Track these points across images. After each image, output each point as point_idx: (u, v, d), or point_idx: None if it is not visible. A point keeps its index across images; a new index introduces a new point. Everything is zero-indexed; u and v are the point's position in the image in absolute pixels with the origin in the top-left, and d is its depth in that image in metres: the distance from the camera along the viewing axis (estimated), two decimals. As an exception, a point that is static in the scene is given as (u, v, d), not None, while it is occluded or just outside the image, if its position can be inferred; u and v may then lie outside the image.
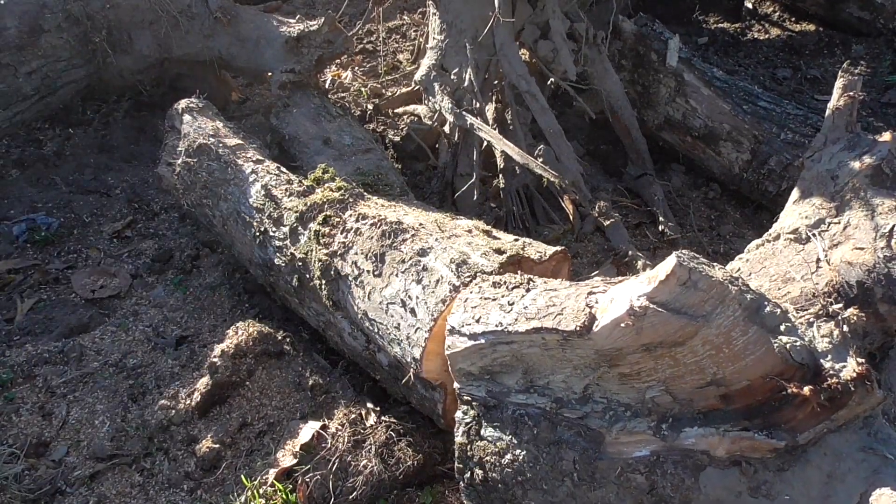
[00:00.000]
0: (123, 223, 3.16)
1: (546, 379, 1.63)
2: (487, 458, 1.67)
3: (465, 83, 2.96)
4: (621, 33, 3.33)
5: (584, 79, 3.21)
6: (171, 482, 2.12)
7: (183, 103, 2.85)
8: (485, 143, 2.94)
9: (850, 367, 1.39)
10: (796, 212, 2.09)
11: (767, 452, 1.42)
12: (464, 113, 2.90)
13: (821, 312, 1.58)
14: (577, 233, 2.98)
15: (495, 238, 2.09)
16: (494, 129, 2.90)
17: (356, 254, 2.09)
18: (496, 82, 3.05)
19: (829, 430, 1.43)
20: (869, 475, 1.40)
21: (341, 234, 2.16)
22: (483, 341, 1.67)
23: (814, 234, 1.94)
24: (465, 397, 1.73)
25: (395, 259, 2.00)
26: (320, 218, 2.23)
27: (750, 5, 4.79)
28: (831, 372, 1.39)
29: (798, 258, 1.88)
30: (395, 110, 3.77)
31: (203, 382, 2.28)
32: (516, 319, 1.62)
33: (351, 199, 2.27)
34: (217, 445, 2.16)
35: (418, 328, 1.87)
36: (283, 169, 2.58)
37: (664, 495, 1.49)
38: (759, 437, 1.41)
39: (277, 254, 2.37)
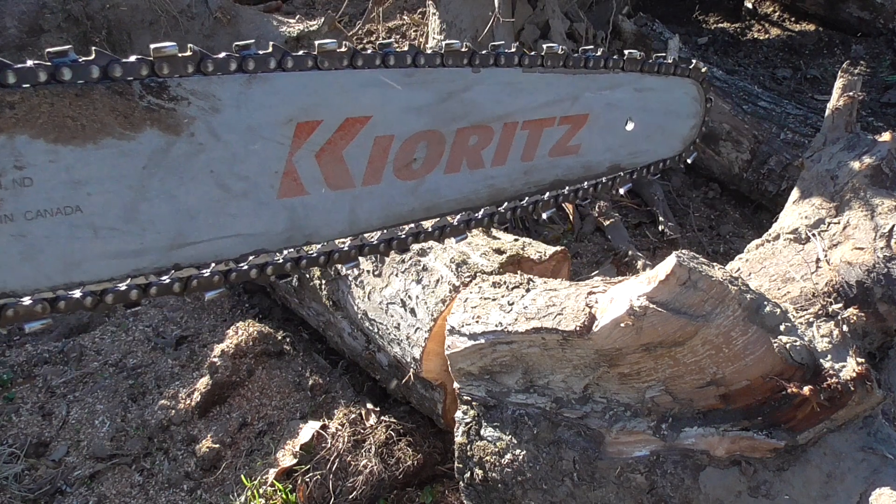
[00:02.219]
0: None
1: (546, 379, 1.63)
2: (487, 457, 1.67)
3: (465, 83, 2.96)
4: (621, 33, 3.34)
5: (584, 79, 3.21)
6: (171, 482, 2.12)
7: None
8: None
9: (850, 367, 1.39)
10: (796, 212, 2.09)
11: (767, 452, 1.43)
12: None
13: (820, 312, 1.58)
14: (577, 233, 2.98)
15: (495, 238, 2.09)
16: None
17: (356, 254, 2.09)
18: (496, 82, 3.04)
19: (828, 430, 1.43)
20: (869, 475, 1.40)
21: (341, 234, 2.17)
22: (483, 341, 1.67)
23: (813, 234, 1.94)
24: (465, 397, 1.73)
25: (394, 259, 2.00)
26: (320, 218, 2.23)
27: (750, 5, 4.79)
28: (831, 372, 1.39)
29: (798, 258, 1.88)
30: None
31: (203, 382, 2.28)
32: (516, 319, 1.62)
33: (351, 199, 2.27)
34: (217, 445, 2.16)
35: (418, 328, 1.87)
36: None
37: (664, 495, 1.49)
38: (759, 437, 1.41)
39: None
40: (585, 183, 1.58)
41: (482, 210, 1.45)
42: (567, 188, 1.56)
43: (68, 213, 1.01)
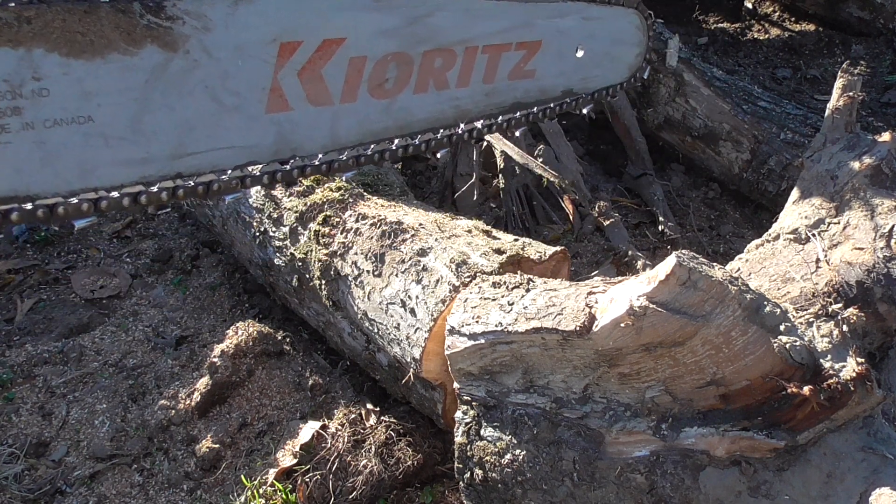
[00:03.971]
0: (123, 223, 3.15)
1: (546, 379, 1.63)
2: (487, 458, 1.68)
3: (465, 83, 2.96)
4: (621, 33, 3.33)
5: (584, 79, 3.21)
6: (171, 482, 2.12)
7: (183, 103, 2.85)
8: (484, 143, 2.94)
9: (850, 367, 1.39)
10: (796, 212, 2.09)
11: (767, 452, 1.43)
12: (464, 113, 2.90)
13: (820, 312, 1.58)
14: (577, 233, 2.98)
15: (495, 238, 2.09)
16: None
17: (356, 254, 2.09)
18: (496, 82, 3.05)
19: (828, 430, 1.43)
20: (869, 475, 1.40)
21: (341, 234, 2.17)
22: (483, 341, 1.67)
23: (813, 234, 1.94)
24: (465, 397, 1.73)
25: (394, 259, 2.00)
26: (320, 218, 2.23)
27: (750, 5, 4.79)
28: (831, 372, 1.39)
29: (798, 258, 1.88)
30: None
31: (203, 382, 2.28)
32: (516, 319, 1.62)
33: (351, 199, 2.27)
34: (217, 445, 2.16)
35: (418, 328, 1.87)
36: (283, 169, 2.57)
37: (664, 495, 1.49)
38: (759, 437, 1.41)
39: (277, 254, 2.37)
40: (541, 106, 1.76)
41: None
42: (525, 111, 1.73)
43: (82, 122, 1.11)
